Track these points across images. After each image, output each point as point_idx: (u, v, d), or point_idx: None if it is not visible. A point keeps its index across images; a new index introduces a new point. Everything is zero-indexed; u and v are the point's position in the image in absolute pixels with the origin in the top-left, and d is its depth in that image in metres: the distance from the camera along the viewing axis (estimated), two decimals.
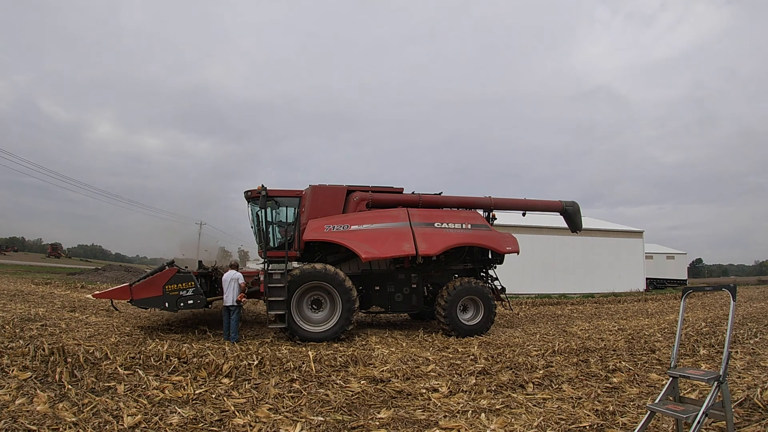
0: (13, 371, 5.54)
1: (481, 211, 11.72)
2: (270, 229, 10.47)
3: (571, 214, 12.42)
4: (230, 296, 8.97)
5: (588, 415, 4.64)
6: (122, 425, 4.15)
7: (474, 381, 5.97)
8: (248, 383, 5.71)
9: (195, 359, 6.46)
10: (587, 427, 4.36)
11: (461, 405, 5.01)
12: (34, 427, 3.99)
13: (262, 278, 9.49)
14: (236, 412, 4.64)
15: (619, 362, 7.07)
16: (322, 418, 4.58)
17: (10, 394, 4.77)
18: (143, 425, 4.21)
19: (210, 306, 11.17)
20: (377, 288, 10.69)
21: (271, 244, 10.38)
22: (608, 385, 5.96)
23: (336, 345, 8.72)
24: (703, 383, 5.29)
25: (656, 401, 3.63)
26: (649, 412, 3.61)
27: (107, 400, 4.78)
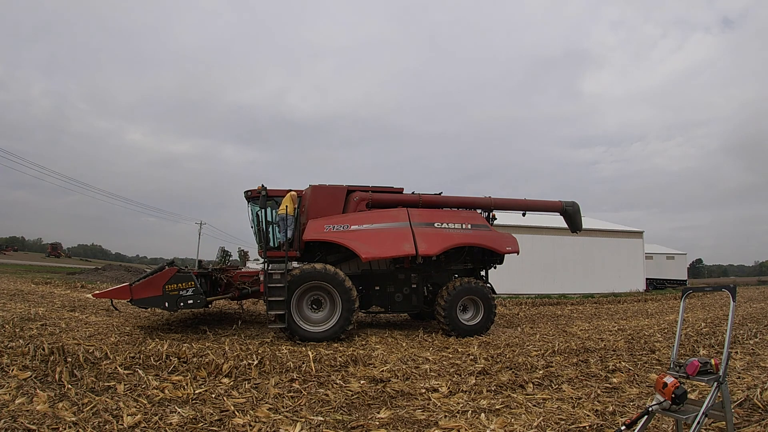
0: (13, 371, 5.53)
1: (481, 211, 11.73)
2: (270, 229, 10.48)
3: (571, 215, 12.42)
4: None
5: (588, 415, 4.64)
6: (122, 425, 4.15)
7: (474, 381, 5.97)
8: (248, 383, 5.71)
9: (195, 359, 6.46)
10: (587, 427, 4.36)
11: (461, 405, 5.01)
12: (33, 427, 3.99)
13: (262, 278, 9.49)
14: (236, 412, 4.63)
15: (619, 362, 7.06)
16: (322, 418, 4.58)
17: (10, 394, 4.76)
18: (143, 425, 4.20)
19: (210, 306, 11.17)
20: (377, 288, 10.69)
21: (271, 244, 10.39)
22: (608, 385, 5.95)
23: (336, 345, 8.71)
24: (703, 383, 5.28)
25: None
26: None
27: (107, 399, 4.78)
